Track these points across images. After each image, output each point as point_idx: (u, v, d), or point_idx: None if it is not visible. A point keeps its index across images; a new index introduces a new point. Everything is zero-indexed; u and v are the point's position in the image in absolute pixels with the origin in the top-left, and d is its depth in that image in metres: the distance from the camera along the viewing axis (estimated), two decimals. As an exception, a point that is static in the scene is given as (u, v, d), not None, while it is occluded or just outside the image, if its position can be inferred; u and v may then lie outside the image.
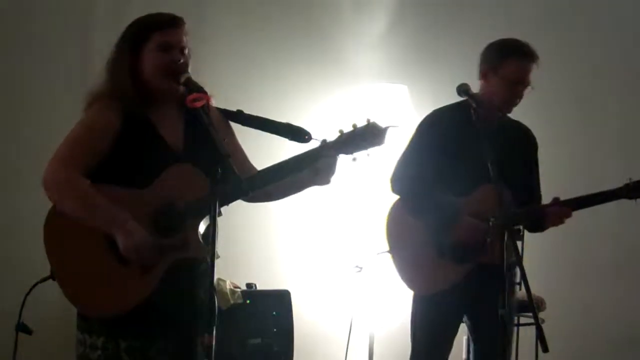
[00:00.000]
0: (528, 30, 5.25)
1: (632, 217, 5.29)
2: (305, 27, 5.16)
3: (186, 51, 2.73)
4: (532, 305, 2.90)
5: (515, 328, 3.82)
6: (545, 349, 2.81)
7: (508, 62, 3.45)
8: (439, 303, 3.49)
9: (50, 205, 2.67)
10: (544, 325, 2.92)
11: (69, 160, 2.63)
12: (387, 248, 3.60)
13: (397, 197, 3.61)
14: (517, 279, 3.65)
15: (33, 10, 4.66)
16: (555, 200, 3.48)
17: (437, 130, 3.56)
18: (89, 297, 2.64)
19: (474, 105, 3.18)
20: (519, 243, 3.06)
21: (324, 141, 2.69)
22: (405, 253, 3.55)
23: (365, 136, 2.65)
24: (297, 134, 2.75)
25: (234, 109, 2.87)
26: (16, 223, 4.44)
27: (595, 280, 5.32)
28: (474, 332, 3.62)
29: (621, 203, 5.12)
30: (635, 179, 3.38)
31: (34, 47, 4.64)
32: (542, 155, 3.70)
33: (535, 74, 3.49)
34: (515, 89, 3.46)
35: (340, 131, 2.68)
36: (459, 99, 3.37)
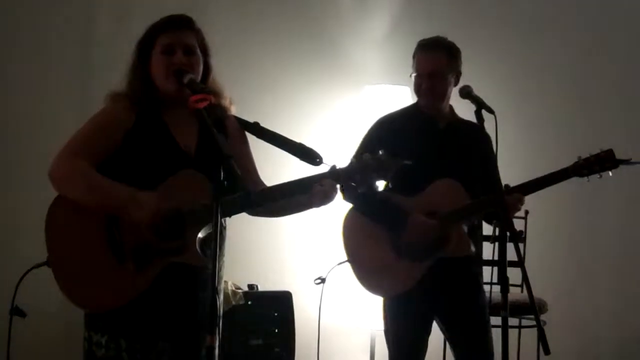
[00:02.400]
0: (528, 30, 5.32)
1: (635, 219, 5.31)
2: (308, 28, 5.16)
3: (195, 51, 2.74)
4: (534, 307, 2.89)
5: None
6: (547, 351, 2.82)
7: (414, 60, 3.60)
8: (406, 303, 3.49)
9: (48, 191, 2.68)
10: (545, 327, 2.92)
11: (77, 152, 2.66)
12: (346, 258, 3.59)
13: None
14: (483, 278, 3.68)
15: (36, 13, 4.67)
16: (505, 189, 3.43)
17: (382, 135, 3.58)
18: (81, 289, 2.65)
19: (475, 106, 3.17)
20: (520, 245, 3.05)
21: (333, 167, 2.70)
22: (365, 259, 3.54)
23: (375, 168, 2.66)
24: (309, 155, 2.76)
25: (236, 113, 2.87)
26: (13, 208, 4.48)
27: (597, 283, 5.31)
28: (448, 332, 3.61)
29: (624, 205, 5.17)
30: (584, 157, 3.39)
31: (35, 47, 4.65)
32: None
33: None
34: (417, 80, 3.55)
35: (352, 160, 2.69)
36: (461, 100, 3.38)
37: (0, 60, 4.62)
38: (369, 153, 2.69)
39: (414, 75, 3.57)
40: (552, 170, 3.43)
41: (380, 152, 2.69)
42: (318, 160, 2.74)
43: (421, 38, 3.65)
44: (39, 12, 4.68)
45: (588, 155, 3.39)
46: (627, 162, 3.38)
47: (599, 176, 3.39)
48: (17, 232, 4.35)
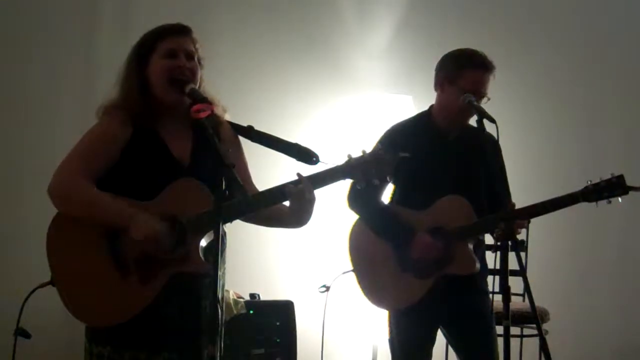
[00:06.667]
0: (530, 41, 5.33)
1: (636, 228, 5.31)
2: (311, 38, 5.17)
3: (195, 58, 2.74)
4: (536, 316, 2.89)
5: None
6: (549, 360, 2.81)
7: (465, 73, 3.42)
8: (410, 317, 3.47)
9: (52, 210, 2.68)
10: (547, 337, 2.92)
11: (75, 170, 2.64)
12: (351, 267, 3.58)
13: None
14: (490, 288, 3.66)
15: (37, 12, 4.68)
16: (511, 209, 3.37)
17: (392, 144, 3.49)
18: (87, 306, 2.64)
19: (477, 116, 3.17)
20: (522, 254, 3.05)
21: (334, 165, 2.68)
22: (370, 272, 3.53)
23: (374, 163, 2.64)
24: (305, 155, 2.74)
25: (236, 120, 2.87)
26: (17, 228, 4.47)
27: (599, 292, 5.31)
28: (453, 341, 3.60)
29: (625, 214, 5.17)
30: (594, 181, 3.31)
31: (38, 50, 4.65)
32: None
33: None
34: (468, 100, 3.38)
35: (349, 156, 2.68)
36: None
37: (1, 60, 4.63)
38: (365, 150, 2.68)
39: (467, 94, 3.35)
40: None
41: (378, 147, 2.67)
42: (315, 159, 2.71)
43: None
44: (41, 12, 4.69)
45: (598, 181, 3.29)
46: (637, 189, 3.29)
47: (607, 202, 3.30)
48: (21, 252, 4.32)
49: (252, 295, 4.59)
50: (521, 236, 3.52)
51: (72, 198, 2.63)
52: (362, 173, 2.64)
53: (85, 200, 2.62)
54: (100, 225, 2.62)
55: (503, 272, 2.90)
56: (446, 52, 3.59)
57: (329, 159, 2.70)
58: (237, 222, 2.74)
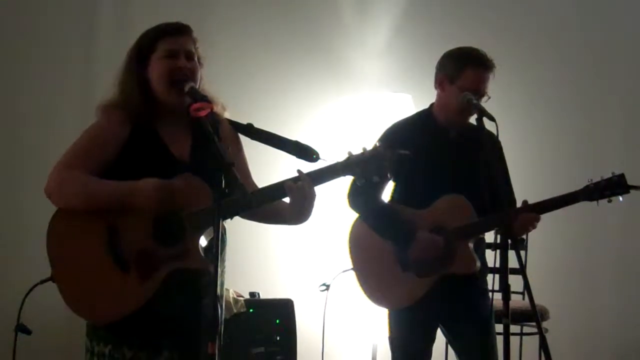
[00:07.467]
0: (529, 42, 5.33)
1: (636, 226, 5.31)
2: (310, 37, 5.18)
3: (194, 58, 2.74)
4: (536, 315, 2.90)
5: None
6: (549, 359, 2.81)
7: (465, 71, 3.40)
8: (410, 316, 3.47)
9: (52, 207, 2.68)
10: (547, 335, 2.93)
11: (73, 165, 2.65)
12: (352, 266, 3.58)
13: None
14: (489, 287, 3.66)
15: (36, 13, 4.68)
16: (523, 204, 3.39)
17: (392, 143, 3.49)
18: (87, 302, 2.65)
19: (477, 115, 3.17)
20: (522, 252, 3.05)
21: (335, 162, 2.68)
22: (370, 272, 3.53)
23: (373, 160, 2.64)
24: (305, 152, 2.74)
25: (236, 119, 2.87)
26: (17, 224, 4.48)
27: (599, 290, 5.31)
28: (454, 341, 3.59)
29: (625, 212, 5.17)
30: (595, 180, 3.31)
31: (37, 51, 4.66)
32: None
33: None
34: (468, 98, 3.34)
35: (349, 153, 2.68)
36: None
37: (1, 60, 4.63)
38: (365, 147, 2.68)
39: (466, 93, 3.34)
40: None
41: (377, 144, 2.68)
42: (315, 156, 2.72)
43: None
44: (41, 12, 4.69)
45: (599, 180, 3.30)
46: (639, 188, 3.28)
47: (608, 201, 3.31)
48: (22, 249, 4.34)
49: (252, 294, 4.59)
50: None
51: (66, 187, 2.63)
52: (362, 170, 2.64)
53: (82, 188, 2.62)
54: (103, 210, 2.61)
55: (503, 271, 2.91)
56: (446, 50, 3.58)
57: (328, 157, 2.70)
58: (237, 220, 2.75)
